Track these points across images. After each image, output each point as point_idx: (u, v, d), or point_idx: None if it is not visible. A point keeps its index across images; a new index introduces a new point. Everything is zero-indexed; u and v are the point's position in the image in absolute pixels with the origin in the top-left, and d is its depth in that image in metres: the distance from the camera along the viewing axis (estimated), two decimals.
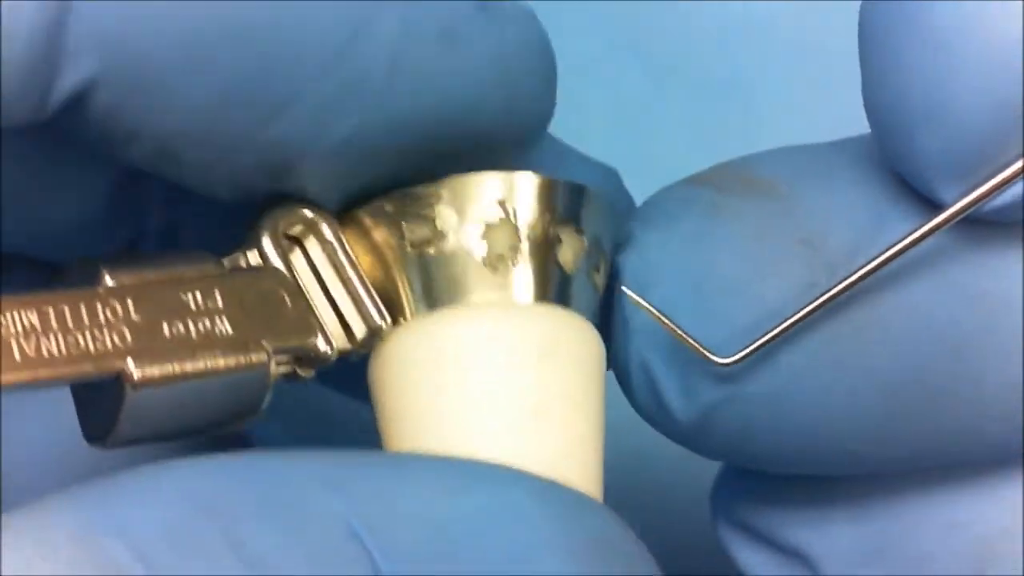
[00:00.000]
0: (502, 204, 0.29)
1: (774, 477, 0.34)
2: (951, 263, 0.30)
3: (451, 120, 0.29)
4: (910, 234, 0.30)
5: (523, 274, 0.29)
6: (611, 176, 0.35)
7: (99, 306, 0.27)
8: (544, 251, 0.30)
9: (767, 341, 0.30)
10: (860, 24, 0.30)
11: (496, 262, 0.29)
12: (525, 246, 0.29)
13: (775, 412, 0.31)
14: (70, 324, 0.26)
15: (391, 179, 0.30)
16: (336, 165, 0.29)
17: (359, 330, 0.30)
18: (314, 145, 0.28)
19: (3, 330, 0.25)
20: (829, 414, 0.31)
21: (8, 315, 0.26)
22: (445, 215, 0.29)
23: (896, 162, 0.30)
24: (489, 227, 0.29)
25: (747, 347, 0.30)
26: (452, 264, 0.29)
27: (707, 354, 0.30)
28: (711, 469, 0.35)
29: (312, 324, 0.29)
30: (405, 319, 0.30)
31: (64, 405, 0.29)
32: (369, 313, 0.30)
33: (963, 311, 0.30)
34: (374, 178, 0.30)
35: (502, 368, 0.29)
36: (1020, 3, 0.28)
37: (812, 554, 0.34)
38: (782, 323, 0.30)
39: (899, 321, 0.30)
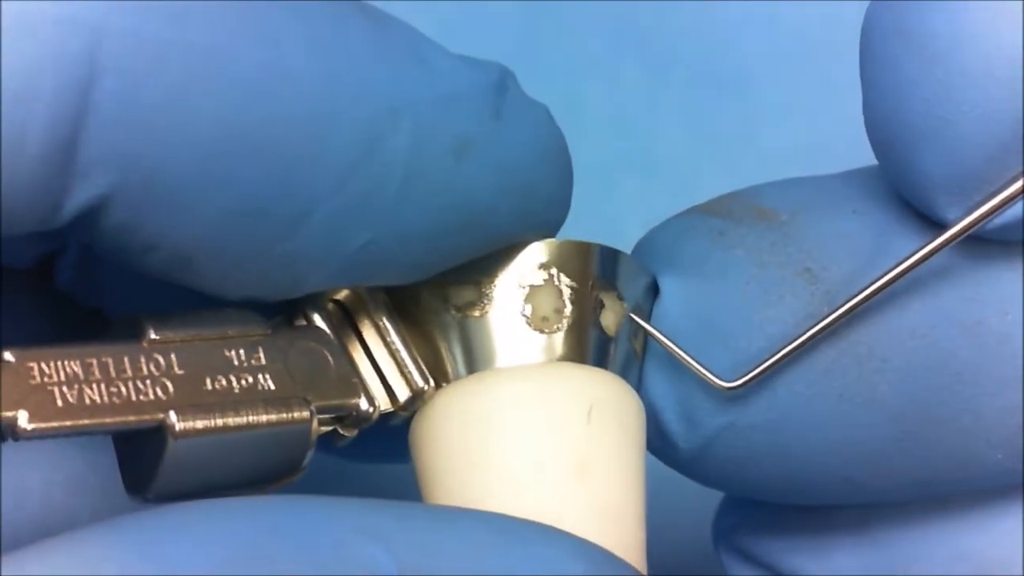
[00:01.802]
0: (545, 268, 0.30)
1: (776, 505, 0.34)
2: (949, 293, 0.30)
3: (464, 229, 0.29)
4: (914, 254, 0.30)
5: (566, 336, 0.30)
6: None
7: (142, 359, 0.27)
8: (587, 314, 0.30)
9: (770, 366, 0.30)
10: (861, 39, 0.30)
11: (540, 324, 0.29)
12: (568, 309, 0.30)
13: (776, 440, 0.31)
14: (113, 374, 0.26)
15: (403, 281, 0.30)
16: (349, 276, 0.28)
17: (402, 393, 0.30)
18: (328, 258, 0.27)
19: (45, 378, 0.26)
20: (830, 442, 0.31)
21: (51, 364, 0.26)
22: (489, 278, 0.30)
23: (896, 181, 0.31)
24: (533, 289, 0.30)
25: (750, 372, 0.30)
26: (496, 327, 0.29)
27: (711, 378, 0.30)
28: (714, 496, 0.35)
29: (355, 384, 0.29)
30: (448, 382, 0.30)
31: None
32: (412, 376, 0.30)
33: (961, 340, 0.30)
34: (388, 283, 0.30)
35: (545, 429, 0.29)
36: (1019, 14, 0.28)
37: None
38: (784, 348, 0.30)
39: (899, 350, 0.30)
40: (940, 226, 0.30)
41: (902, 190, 0.31)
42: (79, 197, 0.25)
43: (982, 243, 0.30)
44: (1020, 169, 0.29)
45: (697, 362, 0.30)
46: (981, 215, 0.29)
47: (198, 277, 0.27)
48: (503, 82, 0.29)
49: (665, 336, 0.31)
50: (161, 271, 0.27)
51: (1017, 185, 0.29)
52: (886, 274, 0.30)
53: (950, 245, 0.30)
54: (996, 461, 0.31)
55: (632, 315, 0.31)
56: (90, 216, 0.25)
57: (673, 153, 0.48)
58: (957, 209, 0.30)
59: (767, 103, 0.46)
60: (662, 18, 0.50)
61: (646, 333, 0.31)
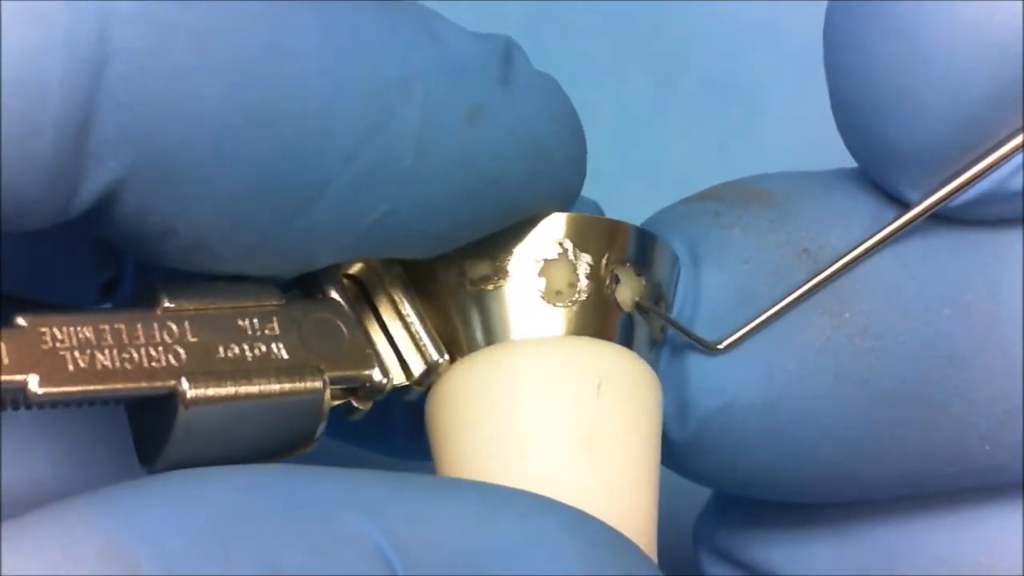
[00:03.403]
0: (560, 243, 0.30)
1: (758, 505, 0.34)
2: (941, 276, 0.31)
3: (479, 198, 0.29)
4: (895, 220, 0.30)
5: (580, 310, 0.30)
6: (593, 209, 0.35)
7: (155, 326, 0.27)
8: (601, 289, 0.30)
9: (756, 327, 0.30)
10: (825, 26, 0.31)
11: (554, 298, 0.30)
12: (583, 283, 0.30)
13: (770, 423, 0.31)
14: (126, 340, 0.26)
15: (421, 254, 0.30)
16: (367, 249, 0.28)
17: (417, 366, 0.30)
18: (345, 231, 0.28)
19: (57, 343, 0.26)
20: (823, 425, 0.31)
21: (63, 329, 0.26)
22: (505, 252, 0.30)
23: (862, 159, 0.31)
24: (548, 263, 0.30)
25: (737, 332, 0.30)
26: (510, 300, 0.30)
27: (699, 340, 0.31)
28: (692, 497, 0.36)
29: (369, 355, 0.29)
30: (462, 355, 0.30)
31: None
32: (427, 349, 0.30)
33: (953, 322, 0.31)
34: (405, 256, 0.30)
35: (556, 401, 0.29)
36: None
37: None
38: (769, 310, 0.30)
39: (893, 330, 0.31)
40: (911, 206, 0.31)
41: (867, 168, 0.31)
42: (95, 182, 0.25)
43: (970, 228, 0.31)
44: (988, 146, 0.29)
45: (685, 329, 0.31)
46: (946, 194, 0.30)
47: (215, 260, 0.27)
48: (509, 51, 0.29)
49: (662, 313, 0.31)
50: (178, 257, 0.27)
51: (982, 164, 0.30)
52: (868, 240, 0.30)
53: (926, 219, 0.31)
54: (984, 453, 0.32)
55: (616, 269, 0.30)
56: (106, 202, 0.25)
57: (679, 160, 0.48)
58: (922, 187, 0.30)
59: (773, 111, 0.47)
60: (669, 25, 0.50)
61: (665, 307, 0.31)
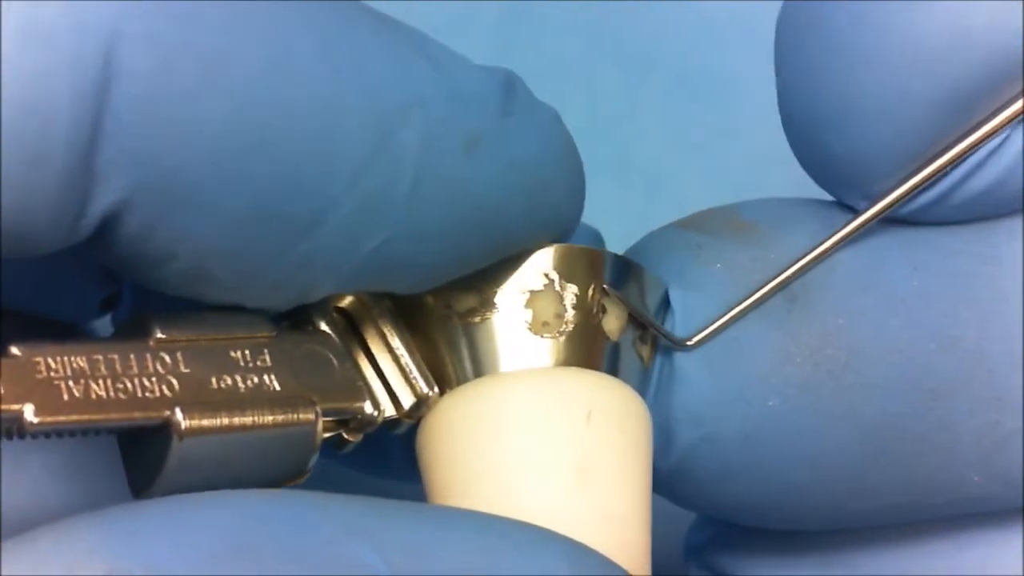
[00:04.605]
0: (546, 273, 0.30)
1: (746, 527, 0.34)
2: (928, 310, 0.31)
3: (475, 229, 0.29)
4: (851, 221, 0.31)
5: (568, 341, 0.30)
6: (594, 238, 0.35)
7: (148, 357, 0.27)
8: (588, 319, 0.30)
9: (724, 324, 0.31)
10: (776, 36, 0.31)
11: (541, 329, 0.30)
12: (570, 314, 0.30)
13: (752, 455, 0.31)
14: (119, 371, 0.26)
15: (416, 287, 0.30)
16: (364, 280, 0.28)
17: (406, 399, 0.30)
18: (343, 261, 0.28)
19: (51, 372, 0.26)
20: (806, 458, 0.31)
21: (58, 359, 0.26)
22: (491, 284, 0.30)
23: (810, 171, 0.31)
24: (534, 295, 0.30)
25: (706, 328, 0.31)
26: (498, 332, 0.30)
27: (671, 336, 0.31)
28: (684, 513, 0.36)
29: (360, 388, 0.29)
30: (452, 388, 0.30)
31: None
32: (417, 382, 0.30)
33: (939, 357, 0.31)
34: (400, 290, 0.30)
35: (546, 432, 0.29)
36: (918, 4, 0.29)
37: None
38: (738, 306, 0.31)
39: (876, 366, 0.31)
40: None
41: (817, 180, 0.32)
42: (100, 203, 0.25)
43: (961, 260, 0.31)
44: (936, 150, 0.30)
45: (658, 327, 0.31)
46: (892, 201, 0.31)
47: (213, 287, 0.27)
48: (511, 82, 0.29)
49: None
50: (177, 283, 0.27)
51: (929, 170, 0.30)
52: (828, 239, 0.31)
53: (918, 249, 0.31)
54: (974, 484, 0.32)
55: (605, 287, 0.30)
56: (110, 224, 0.25)
57: (651, 156, 0.48)
58: (870, 197, 0.31)
59: (745, 106, 0.47)
60: (639, 22, 0.50)
61: (652, 337, 0.31)
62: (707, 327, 0.31)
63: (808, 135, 0.31)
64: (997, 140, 0.30)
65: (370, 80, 0.27)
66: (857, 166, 0.31)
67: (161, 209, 0.25)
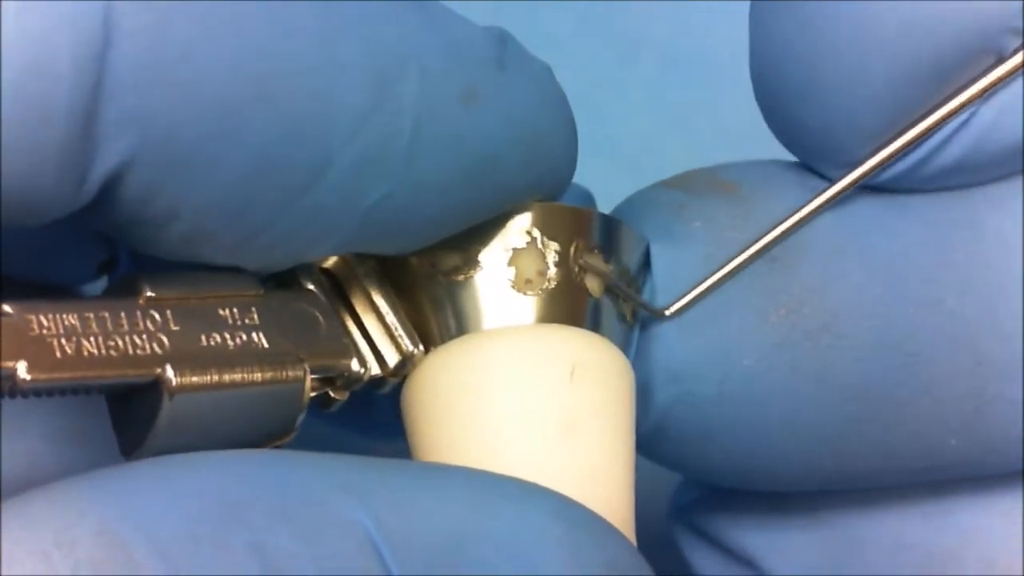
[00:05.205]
0: (529, 231, 0.30)
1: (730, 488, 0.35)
2: (909, 273, 0.31)
3: (474, 181, 0.29)
4: (828, 188, 0.31)
5: (550, 298, 0.30)
6: (586, 198, 0.36)
7: (139, 315, 0.27)
8: (571, 277, 0.30)
9: (701, 293, 0.31)
10: (750, 15, 0.32)
11: (524, 286, 0.30)
12: (552, 271, 0.30)
13: (729, 414, 0.31)
14: (110, 328, 0.27)
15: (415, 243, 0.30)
16: (365, 236, 0.29)
17: (392, 358, 0.30)
18: (346, 215, 0.28)
19: (44, 330, 0.26)
20: (784, 419, 0.31)
21: (50, 316, 0.26)
22: (475, 243, 0.30)
23: (783, 139, 0.32)
24: (517, 252, 0.30)
25: (683, 297, 0.31)
26: (482, 290, 0.30)
27: (649, 307, 0.31)
28: (671, 481, 0.36)
29: (347, 345, 0.30)
30: (436, 346, 0.30)
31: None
32: (402, 340, 0.30)
33: (919, 319, 0.31)
34: (397, 249, 0.30)
35: (527, 388, 0.29)
36: None
37: (762, 559, 0.35)
38: (714, 274, 0.31)
39: (855, 328, 0.31)
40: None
41: (788, 147, 0.32)
42: (103, 165, 0.25)
43: (940, 227, 0.32)
44: (909, 120, 0.31)
45: (632, 295, 0.31)
46: (865, 171, 0.31)
47: (214, 249, 0.27)
48: (504, 38, 0.30)
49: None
50: (177, 246, 0.27)
51: (898, 144, 0.31)
52: (803, 208, 0.31)
53: (896, 214, 0.32)
54: (953, 448, 0.32)
55: (585, 258, 0.31)
56: (111, 186, 0.26)
57: (639, 135, 0.48)
58: (842, 166, 0.31)
59: (734, 87, 0.46)
60: (630, 1, 0.50)
61: (635, 293, 0.31)
62: (685, 295, 0.31)
63: (777, 106, 0.32)
64: (964, 115, 0.31)
65: (367, 33, 0.27)
66: (824, 137, 0.31)
67: (163, 168, 0.26)
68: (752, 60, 0.32)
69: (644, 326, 0.32)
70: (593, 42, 0.50)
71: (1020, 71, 0.30)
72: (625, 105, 0.50)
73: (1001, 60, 0.30)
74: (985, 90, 0.30)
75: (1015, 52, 0.30)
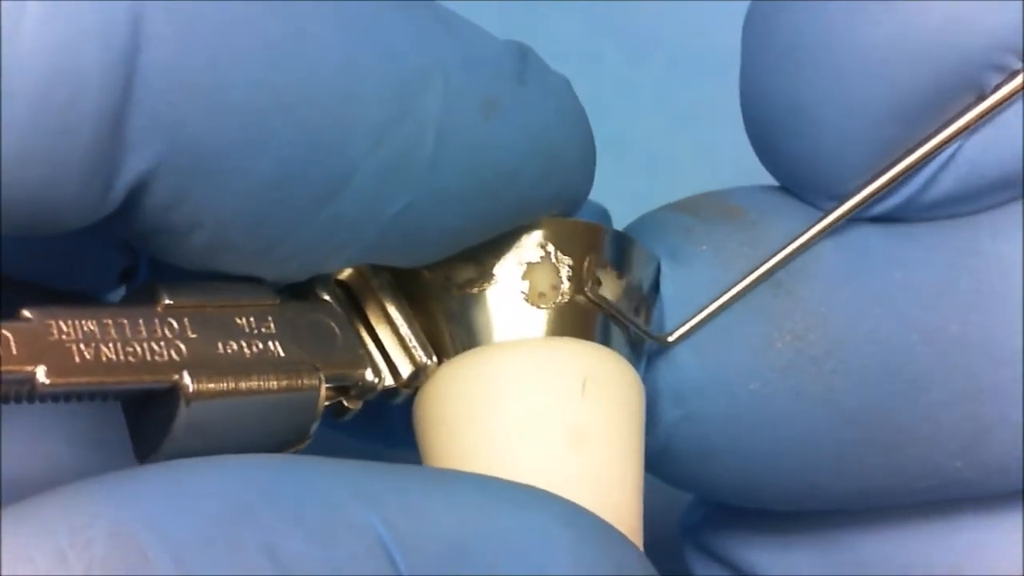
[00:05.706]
0: (543, 246, 0.31)
1: (738, 507, 0.35)
2: (910, 300, 0.32)
3: (493, 194, 0.29)
4: (803, 233, 0.32)
5: (563, 312, 0.30)
6: (601, 215, 0.36)
7: (157, 322, 0.27)
8: (583, 291, 0.31)
9: (703, 319, 0.32)
10: (742, 40, 0.32)
11: (538, 300, 0.30)
12: (565, 285, 0.31)
13: (733, 435, 0.32)
14: (129, 335, 0.27)
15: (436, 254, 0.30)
16: (386, 246, 0.29)
17: (405, 368, 0.31)
18: (367, 225, 0.28)
19: (63, 335, 0.26)
20: (787, 441, 0.32)
21: (69, 322, 0.26)
22: (489, 256, 0.31)
23: (771, 169, 0.32)
24: (531, 266, 0.30)
25: (686, 323, 0.32)
26: (495, 302, 0.30)
27: (650, 334, 0.31)
28: (681, 495, 0.36)
29: (361, 356, 0.30)
30: (449, 357, 0.31)
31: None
32: (416, 351, 0.31)
33: (920, 348, 0.32)
34: (414, 261, 0.30)
35: (541, 400, 0.30)
36: (873, 14, 0.30)
37: None
38: (716, 300, 0.32)
39: (856, 354, 0.31)
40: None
41: (780, 180, 0.33)
42: (128, 174, 0.25)
43: (943, 254, 0.32)
44: (897, 152, 0.31)
45: (635, 323, 0.31)
46: (857, 203, 0.31)
47: (235, 258, 0.28)
48: (524, 52, 0.30)
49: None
50: (199, 255, 0.27)
51: (888, 176, 0.31)
52: (800, 236, 0.32)
53: (898, 239, 0.32)
54: (956, 470, 0.32)
55: (586, 291, 0.31)
56: (137, 195, 0.26)
57: (650, 136, 0.49)
58: (833, 198, 0.32)
59: None
60: (640, 1, 0.51)
61: (647, 308, 0.32)
62: (688, 321, 0.31)
63: (766, 141, 0.32)
64: (951, 149, 0.31)
65: (390, 45, 0.27)
66: (813, 171, 0.32)
67: (188, 176, 0.26)
68: (742, 97, 0.32)
69: (652, 344, 0.32)
70: (603, 42, 0.50)
71: (1001, 106, 0.31)
72: (634, 105, 0.50)
73: (983, 97, 0.31)
74: (969, 125, 0.31)
75: (996, 88, 0.30)
